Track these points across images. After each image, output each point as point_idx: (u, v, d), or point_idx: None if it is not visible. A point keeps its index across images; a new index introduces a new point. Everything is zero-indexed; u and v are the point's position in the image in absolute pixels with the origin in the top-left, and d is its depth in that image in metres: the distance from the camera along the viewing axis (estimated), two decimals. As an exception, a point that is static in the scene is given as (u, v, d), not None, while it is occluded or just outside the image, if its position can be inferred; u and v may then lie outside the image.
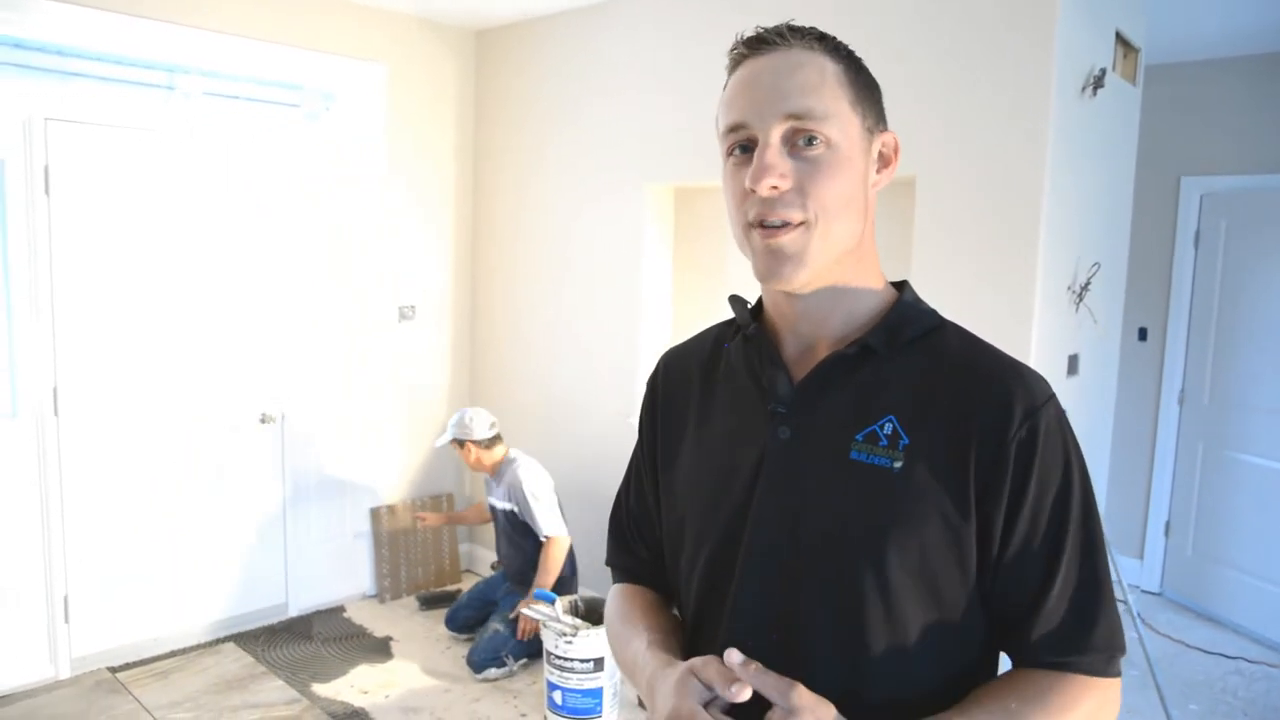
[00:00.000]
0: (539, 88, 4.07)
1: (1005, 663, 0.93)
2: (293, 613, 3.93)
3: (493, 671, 3.48)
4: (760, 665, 0.82)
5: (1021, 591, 0.87)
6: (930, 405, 0.88)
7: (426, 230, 4.29)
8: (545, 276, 4.13)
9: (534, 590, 3.46)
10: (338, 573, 4.10)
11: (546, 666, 3.16)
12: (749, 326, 0.99)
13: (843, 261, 0.91)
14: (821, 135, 0.86)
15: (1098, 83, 2.68)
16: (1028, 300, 2.64)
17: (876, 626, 0.87)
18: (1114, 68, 2.93)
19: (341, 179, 3.96)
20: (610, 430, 3.86)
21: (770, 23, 0.90)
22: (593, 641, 3.07)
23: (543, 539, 3.58)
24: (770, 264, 0.88)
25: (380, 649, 3.69)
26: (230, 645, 3.64)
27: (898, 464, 0.86)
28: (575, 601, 3.28)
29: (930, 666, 0.89)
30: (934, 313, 0.96)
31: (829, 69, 0.88)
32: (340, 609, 4.05)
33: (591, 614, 3.25)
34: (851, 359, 0.91)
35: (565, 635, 3.06)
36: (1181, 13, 3.36)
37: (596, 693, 3.12)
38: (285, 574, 3.92)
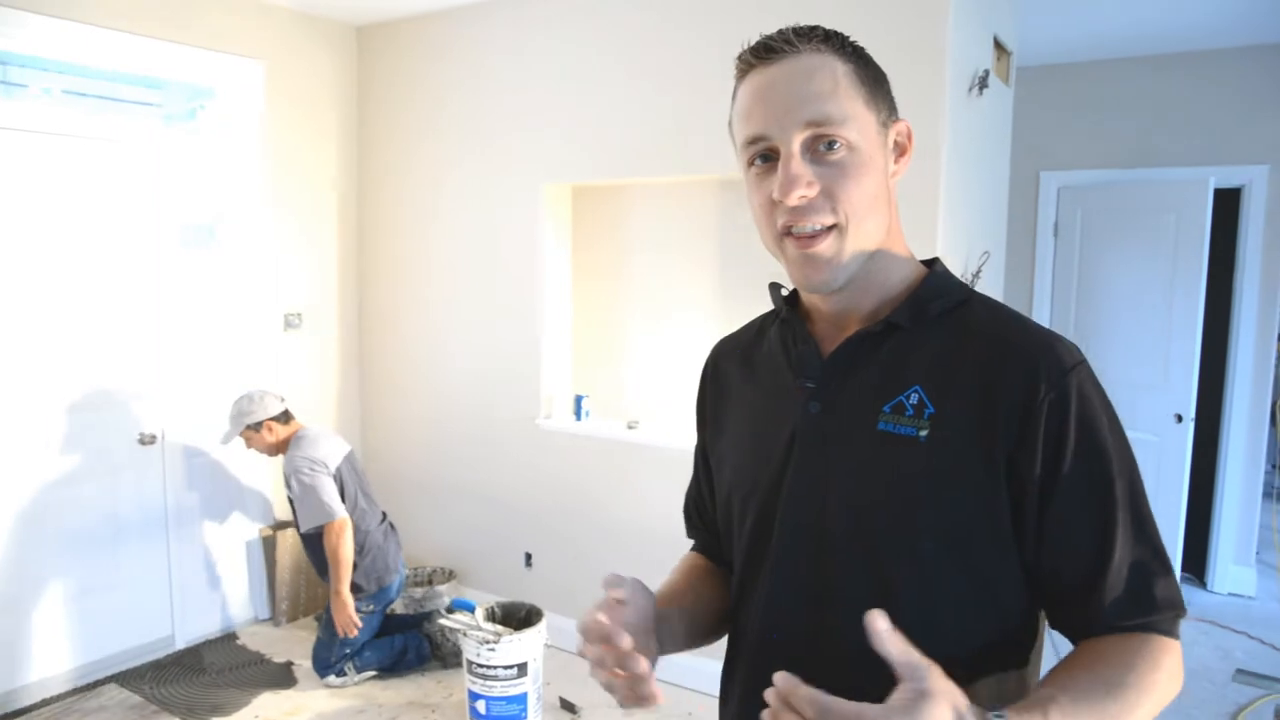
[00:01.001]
0: (425, 85, 3.95)
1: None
2: (180, 644, 3.65)
3: (334, 679, 3.40)
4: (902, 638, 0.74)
5: (1077, 561, 0.86)
6: (956, 375, 0.89)
7: (311, 234, 4.08)
8: (440, 280, 4.01)
9: (341, 589, 3.27)
10: (227, 598, 3.85)
11: (468, 677, 3.07)
12: (783, 310, 1.03)
13: (874, 254, 0.93)
14: (842, 139, 0.88)
15: (983, 83, 2.85)
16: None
17: (909, 595, 0.87)
18: (993, 69, 3.12)
19: (216, 182, 3.71)
20: (514, 434, 3.79)
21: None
22: (515, 647, 3.02)
23: (302, 531, 3.36)
24: (808, 273, 0.91)
25: (282, 675, 3.49)
26: (112, 686, 3.35)
27: (923, 433, 0.87)
28: (492, 608, 3.21)
29: (964, 635, 0.88)
30: (963, 286, 0.98)
31: (840, 70, 0.89)
32: (233, 636, 3.80)
33: (510, 619, 3.19)
34: (878, 335, 0.93)
35: (488, 643, 2.99)
36: (1042, 20, 3.63)
37: (521, 699, 3.07)
38: (170, 603, 3.64)
